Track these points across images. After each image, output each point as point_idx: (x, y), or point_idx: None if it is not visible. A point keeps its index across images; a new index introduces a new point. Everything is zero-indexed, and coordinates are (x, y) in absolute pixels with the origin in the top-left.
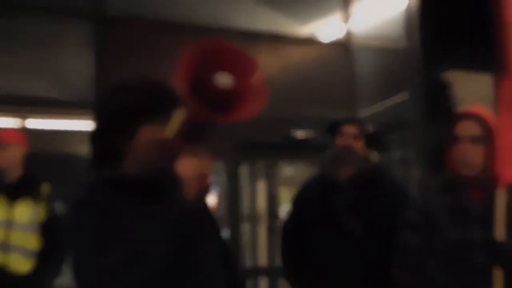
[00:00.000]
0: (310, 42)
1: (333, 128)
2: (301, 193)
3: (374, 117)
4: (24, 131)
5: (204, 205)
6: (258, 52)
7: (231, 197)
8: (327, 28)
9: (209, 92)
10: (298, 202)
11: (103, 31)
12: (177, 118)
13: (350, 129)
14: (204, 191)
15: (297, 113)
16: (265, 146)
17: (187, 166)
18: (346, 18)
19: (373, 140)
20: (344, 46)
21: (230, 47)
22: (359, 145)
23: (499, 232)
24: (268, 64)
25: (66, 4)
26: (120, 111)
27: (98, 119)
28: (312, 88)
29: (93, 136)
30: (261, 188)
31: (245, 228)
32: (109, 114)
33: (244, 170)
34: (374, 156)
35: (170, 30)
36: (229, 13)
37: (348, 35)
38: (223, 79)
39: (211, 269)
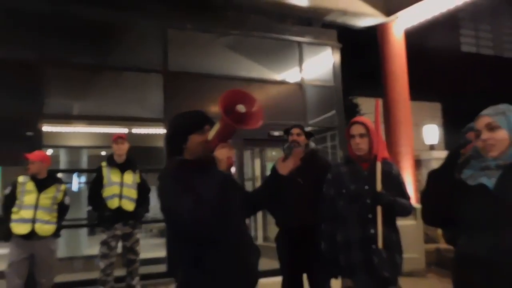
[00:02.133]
0: (281, 83)
1: (287, 131)
2: (274, 166)
3: (317, 123)
4: (129, 134)
5: (231, 173)
6: (251, 89)
7: (240, 168)
8: (290, 75)
9: (234, 114)
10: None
11: (168, 80)
12: (214, 129)
13: (295, 131)
14: (230, 166)
15: (274, 122)
16: (258, 140)
17: (221, 153)
18: (300, 69)
19: (308, 135)
20: (299, 85)
21: (244, 92)
22: (301, 139)
23: (378, 186)
24: (258, 95)
25: (149, 64)
26: (181, 127)
27: (170, 131)
28: (282, 108)
29: (169, 139)
30: (257, 162)
31: (248, 184)
32: (177, 128)
33: (247, 153)
34: (312, 144)
35: (203, 78)
36: (234, 67)
37: (302, 79)
38: (241, 108)
39: (239, 205)
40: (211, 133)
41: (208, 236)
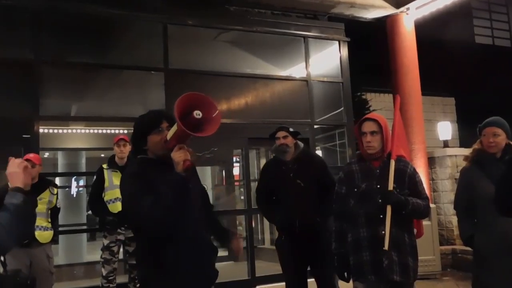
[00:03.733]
0: (286, 79)
1: (272, 135)
2: (265, 170)
3: (325, 121)
4: (129, 135)
5: (186, 175)
6: (256, 86)
7: (245, 168)
8: (296, 71)
9: (190, 120)
10: (265, 175)
11: (169, 78)
12: (173, 130)
13: (280, 134)
14: (187, 168)
15: (280, 120)
16: (263, 139)
17: (176, 155)
18: (306, 65)
19: (294, 135)
20: (305, 81)
21: (203, 96)
22: (289, 140)
23: (390, 185)
24: (262, 93)
25: (149, 62)
26: (140, 128)
27: (133, 133)
28: (288, 105)
29: (132, 141)
30: (263, 162)
31: (254, 185)
32: (137, 130)
33: (252, 153)
34: (300, 144)
35: (205, 75)
36: (238, 64)
37: (308, 74)
38: (197, 114)
39: (195, 205)
40: (170, 133)
41: (163, 233)
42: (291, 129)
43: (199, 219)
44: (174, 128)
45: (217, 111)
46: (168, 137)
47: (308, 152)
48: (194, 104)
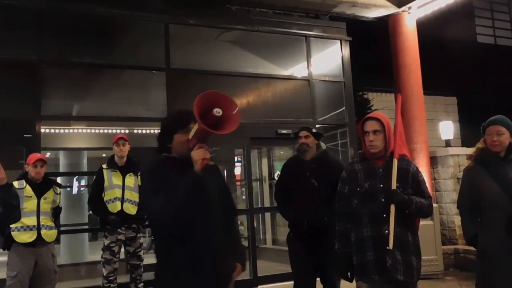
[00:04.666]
0: (288, 78)
1: (296, 134)
2: (286, 166)
3: (326, 120)
4: (130, 135)
5: (204, 174)
6: (258, 86)
7: (247, 167)
8: (298, 70)
9: (210, 118)
10: (285, 170)
11: (170, 77)
12: (194, 130)
13: (303, 133)
14: (204, 167)
15: (281, 120)
16: (265, 139)
17: (196, 153)
18: (308, 64)
19: (317, 136)
20: (307, 81)
21: (222, 94)
22: (310, 140)
23: (393, 184)
24: (264, 92)
25: (150, 62)
26: (167, 126)
27: (160, 131)
28: (290, 105)
29: (158, 138)
30: (264, 162)
31: (256, 184)
32: (163, 127)
33: (254, 152)
34: (322, 145)
35: (206, 75)
36: (239, 64)
37: (310, 74)
38: (217, 111)
39: (212, 205)
40: (191, 132)
41: (176, 231)
42: (314, 130)
43: (217, 220)
44: (195, 127)
45: (237, 108)
46: (190, 136)
47: (328, 155)
48: (214, 102)
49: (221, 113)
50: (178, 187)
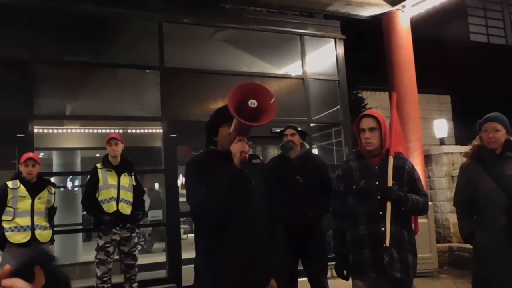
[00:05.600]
0: (282, 77)
1: (282, 132)
2: (269, 165)
3: (321, 119)
4: (124, 135)
5: (243, 167)
6: None
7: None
8: (292, 69)
9: (246, 110)
10: (270, 169)
11: (164, 76)
12: (233, 124)
13: (289, 131)
14: (243, 160)
15: (276, 118)
16: (259, 138)
17: (234, 147)
18: (302, 63)
19: (302, 134)
20: (302, 79)
21: (256, 85)
22: (296, 138)
23: (389, 181)
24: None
25: (144, 61)
26: (214, 119)
27: (207, 124)
28: (284, 104)
29: (205, 131)
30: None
31: None
32: (211, 120)
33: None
34: (306, 145)
35: (201, 74)
36: (234, 63)
37: (304, 73)
38: (252, 102)
39: (252, 200)
40: (232, 126)
41: (214, 224)
42: (299, 128)
43: (257, 216)
44: (235, 121)
45: (273, 98)
46: (231, 130)
47: (312, 153)
48: (249, 94)
49: (256, 104)
50: (220, 181)
